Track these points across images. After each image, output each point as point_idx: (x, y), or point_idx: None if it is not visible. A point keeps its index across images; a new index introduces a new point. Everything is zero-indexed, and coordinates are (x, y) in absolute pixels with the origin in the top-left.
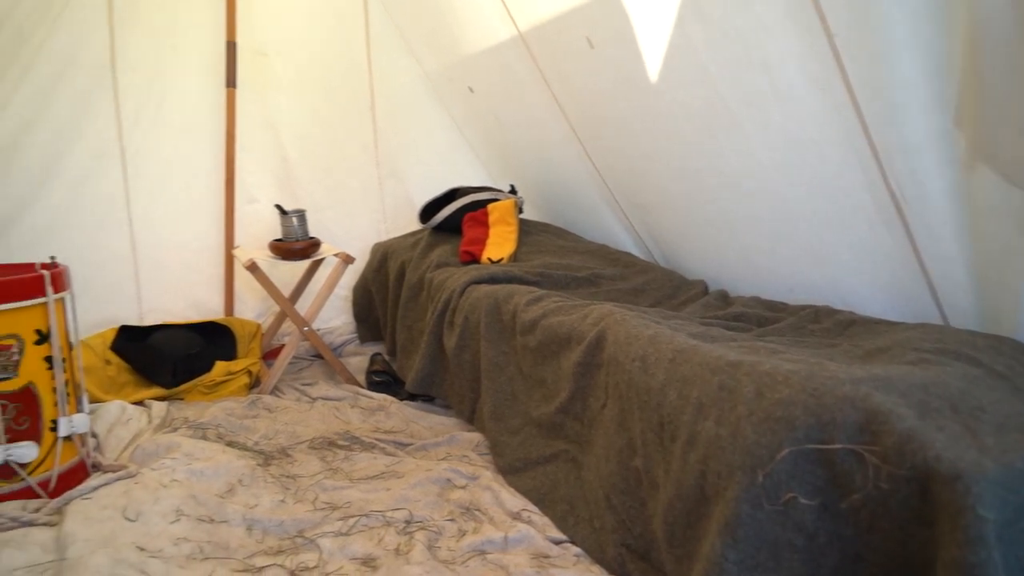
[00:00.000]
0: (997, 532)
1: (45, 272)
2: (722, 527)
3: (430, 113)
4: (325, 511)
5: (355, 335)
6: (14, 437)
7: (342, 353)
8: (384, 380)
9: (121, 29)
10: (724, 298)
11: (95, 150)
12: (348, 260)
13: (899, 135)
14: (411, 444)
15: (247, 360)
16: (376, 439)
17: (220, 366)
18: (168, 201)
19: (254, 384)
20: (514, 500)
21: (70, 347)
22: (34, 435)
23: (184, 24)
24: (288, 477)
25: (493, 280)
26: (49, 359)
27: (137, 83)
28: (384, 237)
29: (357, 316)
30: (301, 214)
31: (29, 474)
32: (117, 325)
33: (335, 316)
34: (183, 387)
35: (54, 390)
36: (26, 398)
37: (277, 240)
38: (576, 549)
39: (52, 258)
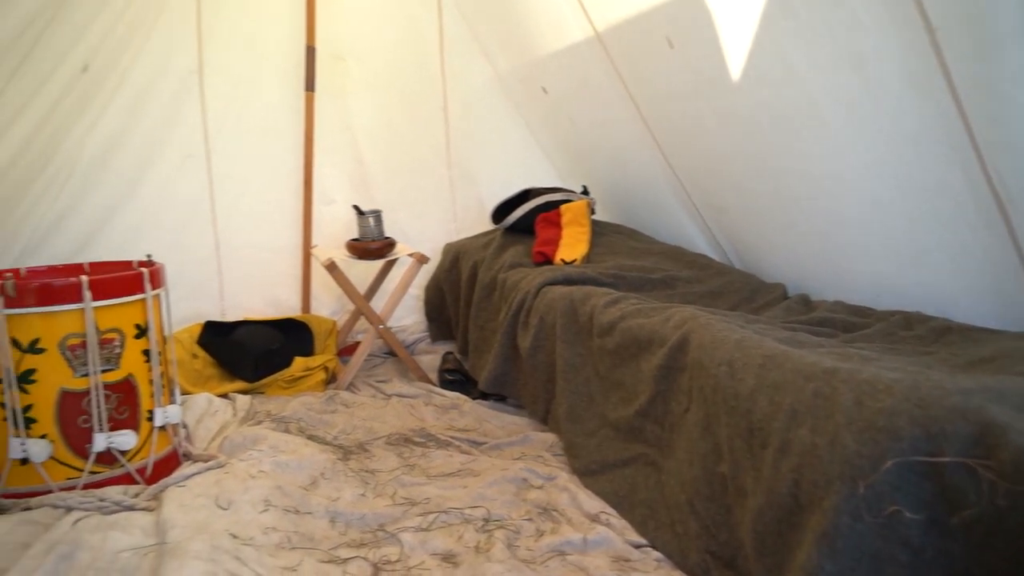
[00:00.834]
0: None
1: (145, 269)
2: (819, 537)
3: (501, 114)
4: (404, 506)
5: (426, 334)
6: (115, 426)
7: (414, 351)
8: (457, 379)
9: (209, 37)
10: (806, 302)
11: (182, 154)
12: (423, 260)
13: (1004, 133)
14: (485, 443)
15: (324, 356)
16: (451, 437)
17: (299, 362)
18: (249, 202)
19: (330, 380)
20: (592, 502)
21: (164, 341)
22: (133, 424)
23: (266, 31)
24: (367, 472)
25: (568, 281)
26: (147, 352)
27: (222, 89)
28: (454, 237)
29: (429, 315)
30: (377, 215)
31: (128, 461)
32: (202, 321)
33: (407, 315)
34: (264, 381)
35: (151, 382)
36: (126, 389)
37: (354, 240)
38: (657, 554)
39: (148, 256)
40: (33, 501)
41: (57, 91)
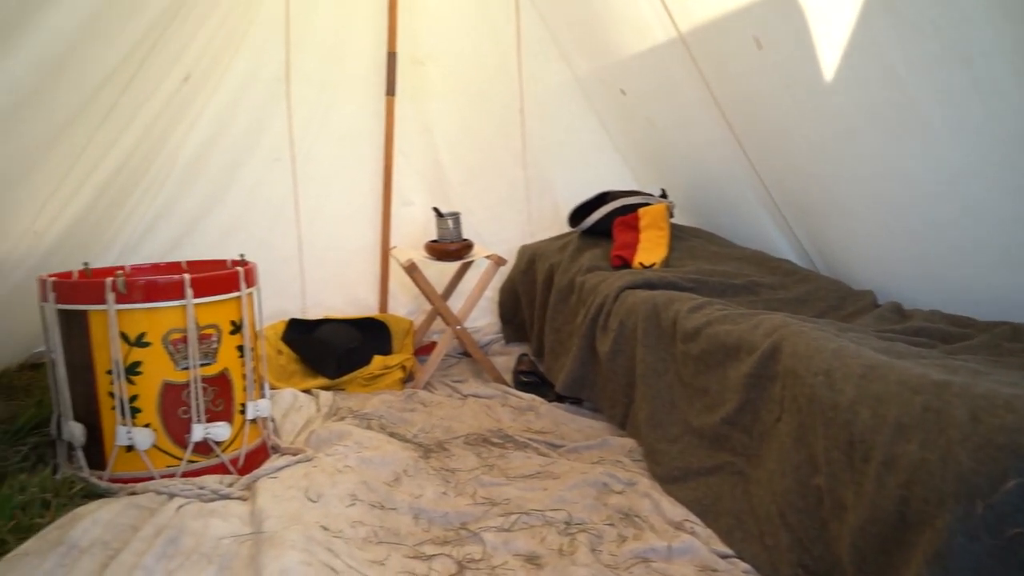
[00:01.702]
0: None
1: (240, 269)
2: (931, 557)
3: (578, 116)
4: (485, 506)
5: (500, 335)
6: (211, 417)
7: (488, 352)
8: (532, 380)
9: (296, 45)
10: (899, 311)
11: (269, 157)
12: (500, 262)
13: None
14: (562, 446)
15: (401, 355)
16: (528, 439)
17: (377, 360)
18: (331, 204)
19: (407, 378)
20: (675, 509)
21: (256, 337)
22: (227, 416)
23: (349, 38)
24: (448, 470)
25: (648, 285)
26: (240, 348)
27: (307, 94)
28: (529, 240)
29: (503, 316)
30: (456, 217)
31: (222, 451)
32: (285, 318)
33: (480, 316)
34: (345, 378)
35: (243, 376)
36: (222, 382)
37: (433, 241)
38: (744, 565)
39: (241, 255)
40: (139, 487)
41: (160, 101)
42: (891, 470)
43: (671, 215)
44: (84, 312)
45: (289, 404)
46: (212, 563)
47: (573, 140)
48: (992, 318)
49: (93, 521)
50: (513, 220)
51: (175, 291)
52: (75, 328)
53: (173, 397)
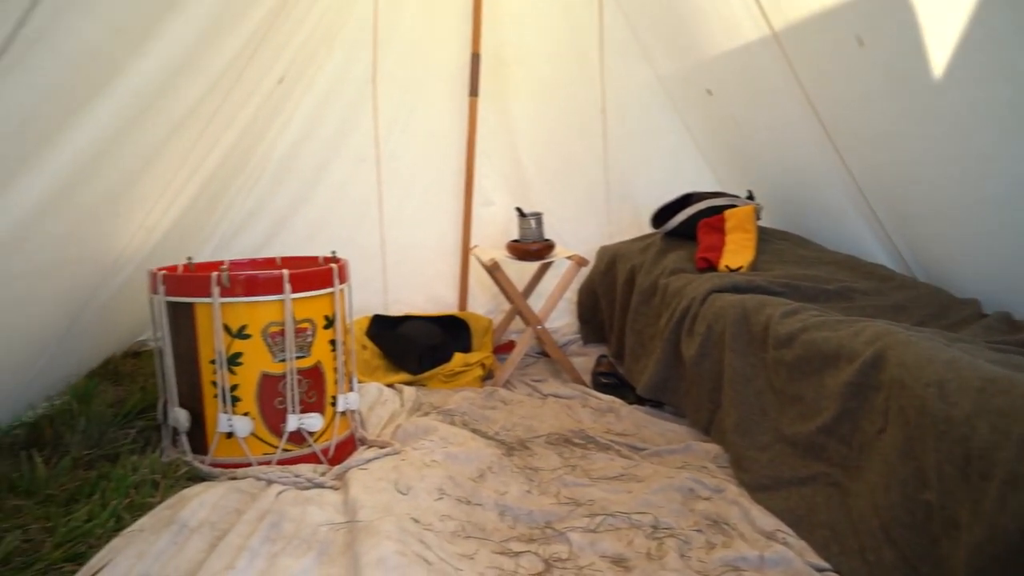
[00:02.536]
0: None
1: (334, 265)
2: None
3: (660, 117)
4: (569, 506)
5: (578, 335)
6: (305, 408)
7: (566, 352)
8: (611, 382)
9: (383, 47)
10: (1008, 321)
11: (355, 157)
12: (582, 263)
13: None
14: (645, 449)
15: (481, 353)
16: (611, 440)
17: (458, 357)
18: (413, 203)
19: (486, 376)
20: (765, 518)
21: (346, 332)
22: (319, 408)
23: (434, 40)
24: (531, 469)
25: (736, 289)
26: (332, 342)
27: (393, 95)
28: (608, 241)
29: (581, 317)
30: (538, 217)
31: (315, 442)
32: (367, 314)
33: (559, 316)
34: (427, 374)
35: (335, 369)
36: (315, 375)
37: (514, 241)
38: None
39: (333, 252)
40: (239, 472)
41: (257, 102)
42: (1015, 489)
43: (758, 217)
44: (191, 304)
45: (375, 398)
46: (312, 548)
47: (655, 141)
48: None
49: (200, 503)
50: (593, 221)
51: (275, 286)
52: (182, 319)
53: (270, 388)
